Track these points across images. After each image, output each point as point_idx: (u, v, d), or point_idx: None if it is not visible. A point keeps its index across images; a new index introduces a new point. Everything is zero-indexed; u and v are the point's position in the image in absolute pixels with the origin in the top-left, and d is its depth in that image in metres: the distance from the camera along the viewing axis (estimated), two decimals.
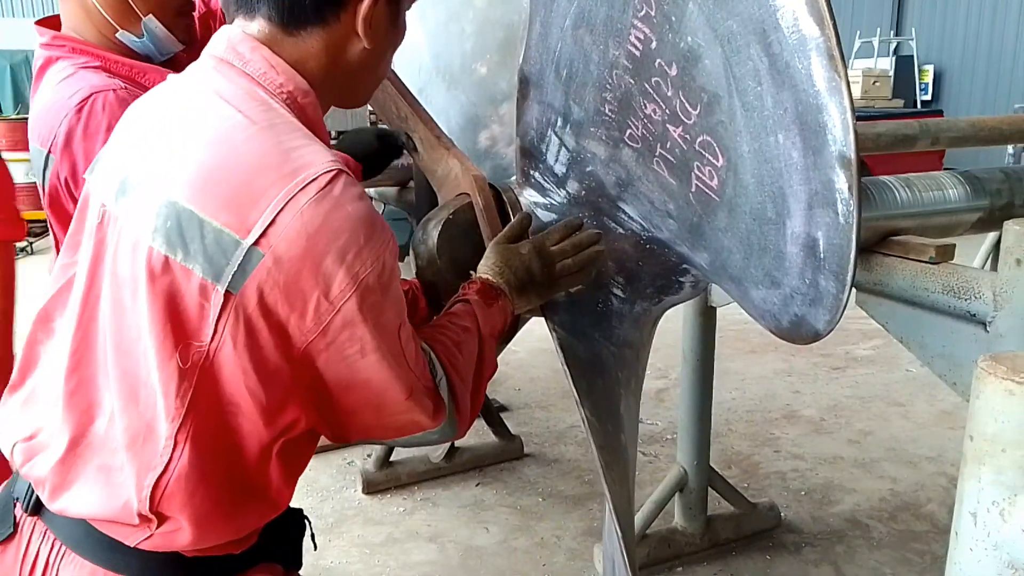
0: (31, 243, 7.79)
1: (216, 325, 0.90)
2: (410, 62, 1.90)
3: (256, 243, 0.88)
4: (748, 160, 1.10)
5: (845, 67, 0.95)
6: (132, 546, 0.97)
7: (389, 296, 0.96)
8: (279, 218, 0.88)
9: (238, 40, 1.01)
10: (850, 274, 1.03)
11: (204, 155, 0.93)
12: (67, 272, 1.07)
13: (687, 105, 1.16)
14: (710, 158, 1.16)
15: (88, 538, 1.00)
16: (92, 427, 0.99)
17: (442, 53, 1.81)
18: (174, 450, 0.93)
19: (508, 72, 1.51)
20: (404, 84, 1.48)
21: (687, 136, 1.19)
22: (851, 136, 0.95)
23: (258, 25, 1.00)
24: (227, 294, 0.89)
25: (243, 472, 0.98)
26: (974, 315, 1.19)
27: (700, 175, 1.20)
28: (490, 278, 1.26)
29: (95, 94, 1.51)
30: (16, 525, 1.05)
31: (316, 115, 1.03)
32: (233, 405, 0.94)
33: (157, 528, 0.96)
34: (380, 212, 0.97)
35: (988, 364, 0.69)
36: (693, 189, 1.23)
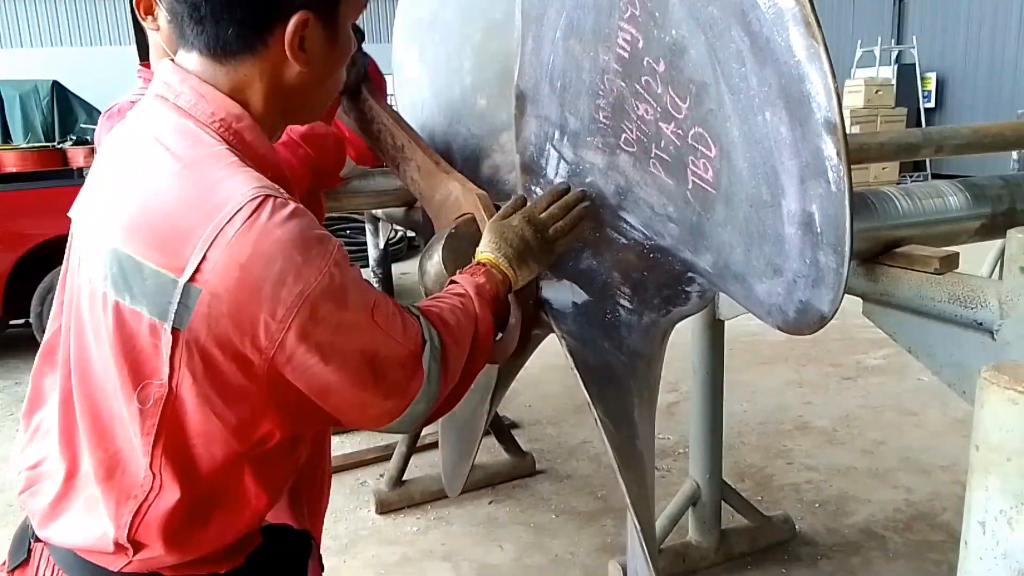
0: None
1: (171, 362, 0.93)
2: (412, 100, 1.94)
3: (191, 279, 0.90)
4: (739, 145, 1.12)
5: (822, 33, 0.97)
6: (116, 571, 1.01)
7: (346, 299, 0.96)
8: (209, 254, 0.90)
9: (169, 73, 1.04)
10: (848, 244, 1.04)
11: (136, 200, 0.96)
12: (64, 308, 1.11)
13: (677, 99, 1.18)
14: (703, 150, 1.18)
15: (77, 563, 1.04)
16: (81, 460, 1.03)
17: (442, 89, 1.85)
18: (154, 480, 0.97)
19: (507, 102, 1.54)
20: (399, 114, 1.49)
21: (679, 131, 1.21)
22: (834, 101, 0.97)
23: (194, 58, 1.03)
24: (175, 331, 0.92)
25: (217, 488, 1.01)
26: (981, 324, 1.19)
27: (695, 169, 1.22)
28: (487, 254, 1.29)
29: None
30: (30, 551, 1.09)
31: (254, 137, 1.04)
32: (203, 432, 0.97)
33: (135, 555, 0.99)
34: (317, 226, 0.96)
35: (991, 374, 0.69)
36: (690, 186, 1.24)
